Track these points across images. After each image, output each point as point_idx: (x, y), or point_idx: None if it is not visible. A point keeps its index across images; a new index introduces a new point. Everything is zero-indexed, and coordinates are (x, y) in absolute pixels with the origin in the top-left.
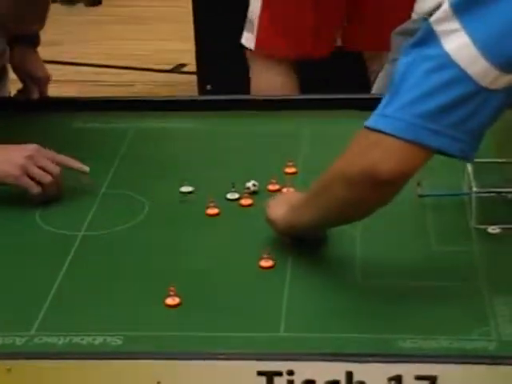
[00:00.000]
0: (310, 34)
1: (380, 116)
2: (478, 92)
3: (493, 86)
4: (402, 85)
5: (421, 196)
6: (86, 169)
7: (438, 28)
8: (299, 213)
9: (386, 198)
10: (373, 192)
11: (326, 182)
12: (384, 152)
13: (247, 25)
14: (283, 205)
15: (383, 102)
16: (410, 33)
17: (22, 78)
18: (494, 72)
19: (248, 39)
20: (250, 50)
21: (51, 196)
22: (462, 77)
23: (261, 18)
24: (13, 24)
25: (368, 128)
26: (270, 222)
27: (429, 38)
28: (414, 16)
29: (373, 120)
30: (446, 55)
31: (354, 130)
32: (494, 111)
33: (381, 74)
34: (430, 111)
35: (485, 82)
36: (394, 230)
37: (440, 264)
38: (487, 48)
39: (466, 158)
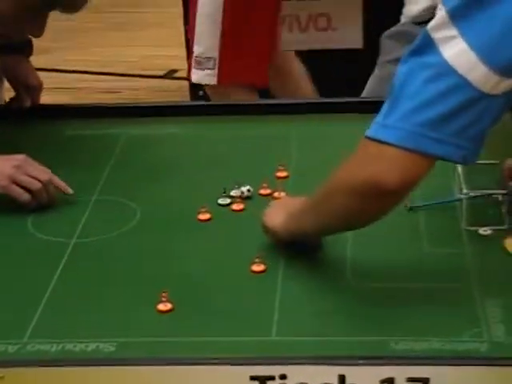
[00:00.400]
0: (266, 60)
1: (381, 126)
2: (479, 98)
3: (494, 92)
4: (401, 93)
5: (411, 209)
6: (70, 191)
7: (436, 35)
8: (299, 221)
9: (388, 208)
10: (376, 202)
11: (328, 191)
12: (387, 162)
13: (200, 64)
14: (280, 212)
15: (383, 110)
16: (399, 36)
17: (14, 87)
18: (494, 77)
19: (205, 76)
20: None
21: (42, 203)
22: (462, 84)
23: (222, 52)
24: (13, 35)
25: (369, 138)
26: (268, 229)
27: (427, 45)
28: (403, 19)
29: (374, 130)
30: (445, 62)
31: (344, 133)
32: (495, 116)
33: (371, 78)
34: (432, 120)
35: (486, 87)
36: (386, 232)
37: (432, 266)
38: (485, 53)
39: (468, 163)
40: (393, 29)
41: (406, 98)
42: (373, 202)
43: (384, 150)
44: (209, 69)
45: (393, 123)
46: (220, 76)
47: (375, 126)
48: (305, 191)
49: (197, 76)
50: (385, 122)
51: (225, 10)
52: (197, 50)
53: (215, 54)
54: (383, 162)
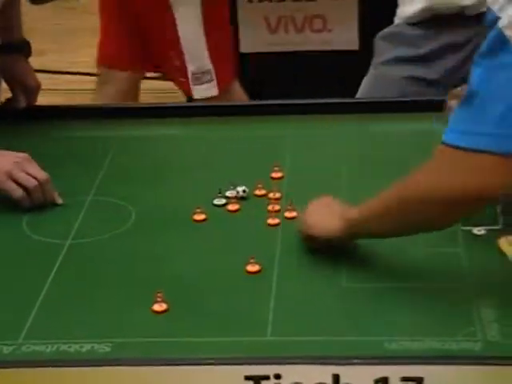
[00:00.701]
0: None
1: (473, 134)
2: None
3: None
4: (485, 98)
5: None
6: (59, 201)
7: (510, 33)
8: (363, 226)
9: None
10: (472, 209)
11: (410, 199)
12: (491, 172)
13: (198, 79)
14: (332, 219)
15: (465, 116)
16: (392, 37)
17: (12, 87)
18: None
19: (206, 89)
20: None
21: (38, 202)
22: None
23: (215, 64)
24: None
25: (457, 147)
26: (316, 237)
27: (501, 44)
28: (397, 20)
29: (463, 139)
30: None
31: (338, 134)
32: None
33: (365, 79)
34: None
35: None
36: None
37: (426, 266)
38: None
39: None
40: (386, 30)
41: (493, 102)
42: (469, 209)
43: (482, 160)
44: (207, 82)
45: (486, 130)
46: (219, 84)
47: (464, 136)
48: (300, 192)
49: (197, 91)
50: (476, 130)
51: (205, 16)
52: (191, 66)
53: (209, 65)
54: (484, 172)
